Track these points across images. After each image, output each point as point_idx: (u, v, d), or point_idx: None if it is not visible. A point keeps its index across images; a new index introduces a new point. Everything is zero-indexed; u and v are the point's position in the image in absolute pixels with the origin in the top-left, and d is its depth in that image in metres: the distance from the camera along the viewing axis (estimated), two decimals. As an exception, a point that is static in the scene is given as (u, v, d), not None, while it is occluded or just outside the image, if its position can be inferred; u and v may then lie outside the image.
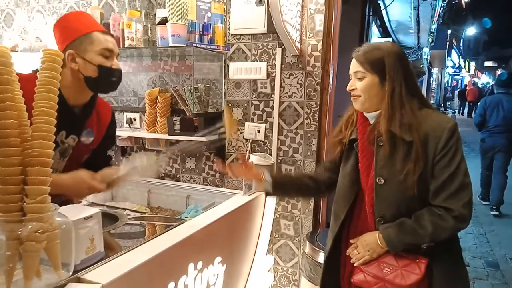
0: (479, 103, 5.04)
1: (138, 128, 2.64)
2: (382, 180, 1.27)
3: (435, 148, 1.21)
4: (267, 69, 2.30)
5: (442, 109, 17.73)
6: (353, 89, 1.32)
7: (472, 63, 27.74)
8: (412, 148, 1.21)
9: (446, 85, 21.69)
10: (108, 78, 1.41)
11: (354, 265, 1.35)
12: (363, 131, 1.35)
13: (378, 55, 1.26)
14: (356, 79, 1.30)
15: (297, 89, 2.26)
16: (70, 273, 1.01)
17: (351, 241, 1.39)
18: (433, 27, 8.78)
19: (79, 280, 1.03)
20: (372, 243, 1.29)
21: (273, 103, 2.31)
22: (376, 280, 1.28)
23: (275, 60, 2.27)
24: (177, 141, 2.58)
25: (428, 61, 13.25)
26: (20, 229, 0.87)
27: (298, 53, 2.19)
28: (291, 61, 2.25)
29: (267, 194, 1.59)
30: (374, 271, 1.29)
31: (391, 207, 1.27)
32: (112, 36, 1.46)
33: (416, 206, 1.25)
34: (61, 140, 1.43)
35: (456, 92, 21.62)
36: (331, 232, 1.48)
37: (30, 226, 0.87)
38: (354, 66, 1.31)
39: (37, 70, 0.98)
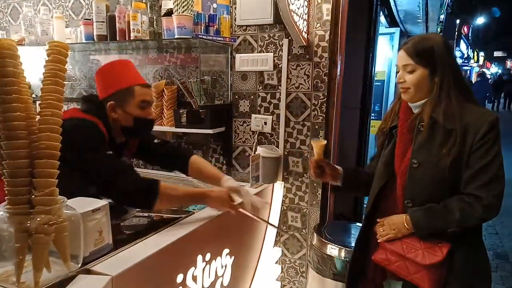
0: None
1: (145, 120, 2.63)
2: (417, 163, 1.30)
3: (473, 139, 1.23)
4: (274, 60, 2.28)
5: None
6: (401, 82, 1.34)
7: (481, 53, 27.32)
8: (451, 136, 1.25)
9: (454, 76, 21.43)
10: (141, 128, 1.57)
11: (378, 241, 1.38)
12: (404, 119, 1.39)
13: (428, 45, 1.29)
14: (406, 72, 1.33)
15: (304, 80, 2.23)
16: (79, 265, 1.02)
17: (378, 220, 1.43)
18: (442, 16, 8.67)
19: (89, 272, 1.03)
20: (399, 223, 1.33)
21: (280, 95, 2.29)
22: (397, 258, 1.32)
23: (282, 51, 2.25)
24: (184, 133, 2.58)
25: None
26: (29, 222, 0.88)
27: (305, 44, 2.16)
28: (298, 52, 2.22)
29: (338, 188, 1.62)
30: (396, 248, 1.33)
31: (423, 191, 1.31)
32: (150, 87, 1.59)
33: (446, 193, 1.28)
34: None
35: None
36: (365, 211, 1.53)
37: (38, 219, 0.88)
38: (404, 59, 1.32)
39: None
